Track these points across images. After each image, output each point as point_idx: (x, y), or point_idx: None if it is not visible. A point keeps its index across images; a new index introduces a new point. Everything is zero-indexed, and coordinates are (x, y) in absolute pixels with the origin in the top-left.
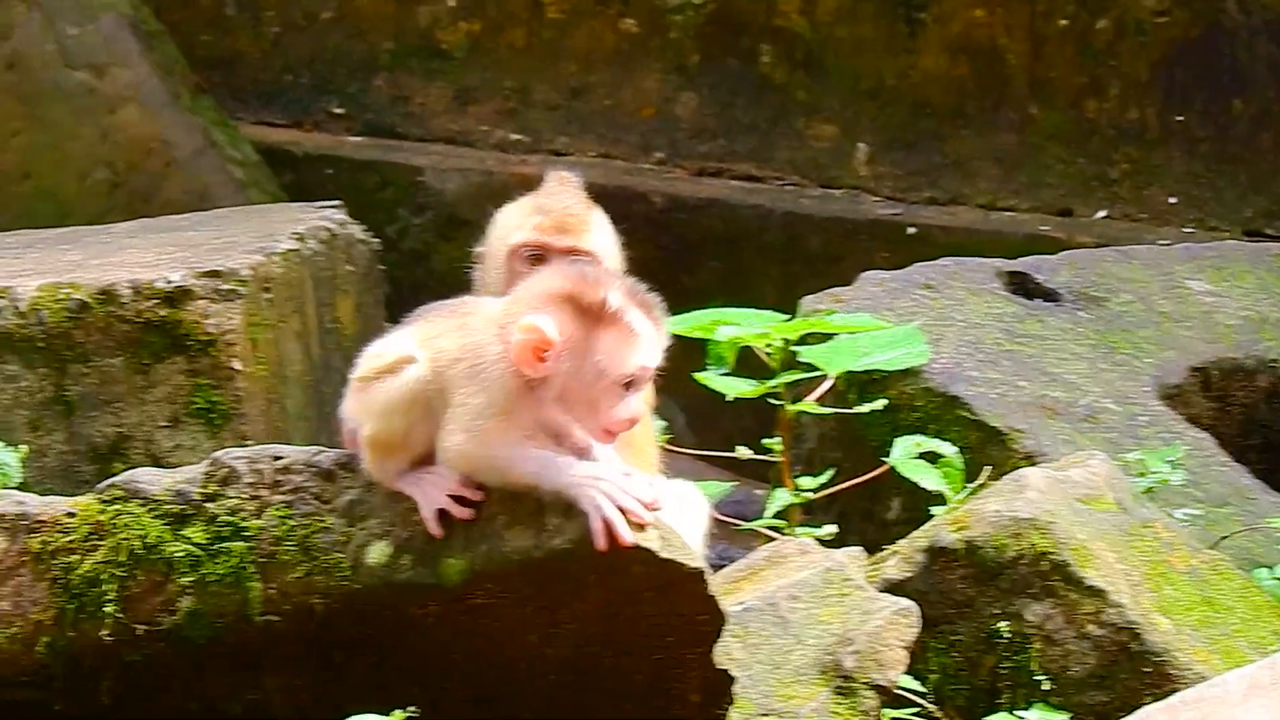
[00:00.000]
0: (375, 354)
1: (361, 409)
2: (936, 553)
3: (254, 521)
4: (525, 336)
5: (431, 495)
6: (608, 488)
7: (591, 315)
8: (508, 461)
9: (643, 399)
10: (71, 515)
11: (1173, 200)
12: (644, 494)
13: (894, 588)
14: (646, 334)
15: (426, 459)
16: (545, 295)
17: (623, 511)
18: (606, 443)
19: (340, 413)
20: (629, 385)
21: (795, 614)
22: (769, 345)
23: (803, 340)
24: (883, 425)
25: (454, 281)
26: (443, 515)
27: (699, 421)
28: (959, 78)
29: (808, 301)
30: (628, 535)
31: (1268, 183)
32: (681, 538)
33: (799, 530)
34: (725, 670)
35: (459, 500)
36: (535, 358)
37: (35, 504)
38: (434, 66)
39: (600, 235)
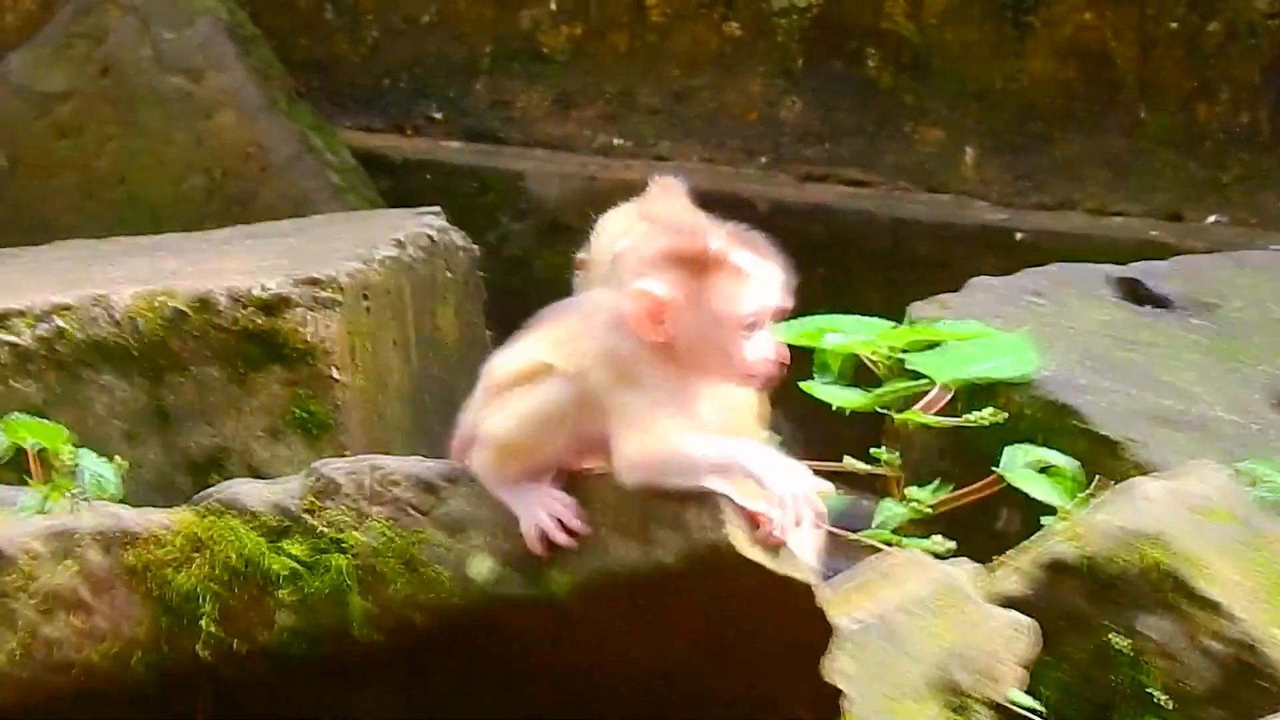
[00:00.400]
0: (507, 363)
1: (494, 416)
2: (1050, 566)
3: (354, 534)
4: (638, 304)
5: (535, 514)
6: (794, 483)
7: (697, 265)
8: (691, 455)
9: (773, 337)
10: (168, 529)
11: None
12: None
13: (1007, 602)
14: (757, 272)
15: (541, 474)
16: (648, 258)
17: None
18: (753, 387)
19: (459, 421)
20: (752, 326)
21: (907, 628)
22: (876, 353)
23: (910, 348)
24: (992, 434)
25: (555, 288)
26: (544, 536)
27: (806, 432)
28: (1067, 81)
29: (915, 308)
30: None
31: None
32: (792, 551)
33: (909, 542)
34: (835, 685)
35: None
36: (654, 321)
37: (131, 517)
38: (535, 70)
39: None
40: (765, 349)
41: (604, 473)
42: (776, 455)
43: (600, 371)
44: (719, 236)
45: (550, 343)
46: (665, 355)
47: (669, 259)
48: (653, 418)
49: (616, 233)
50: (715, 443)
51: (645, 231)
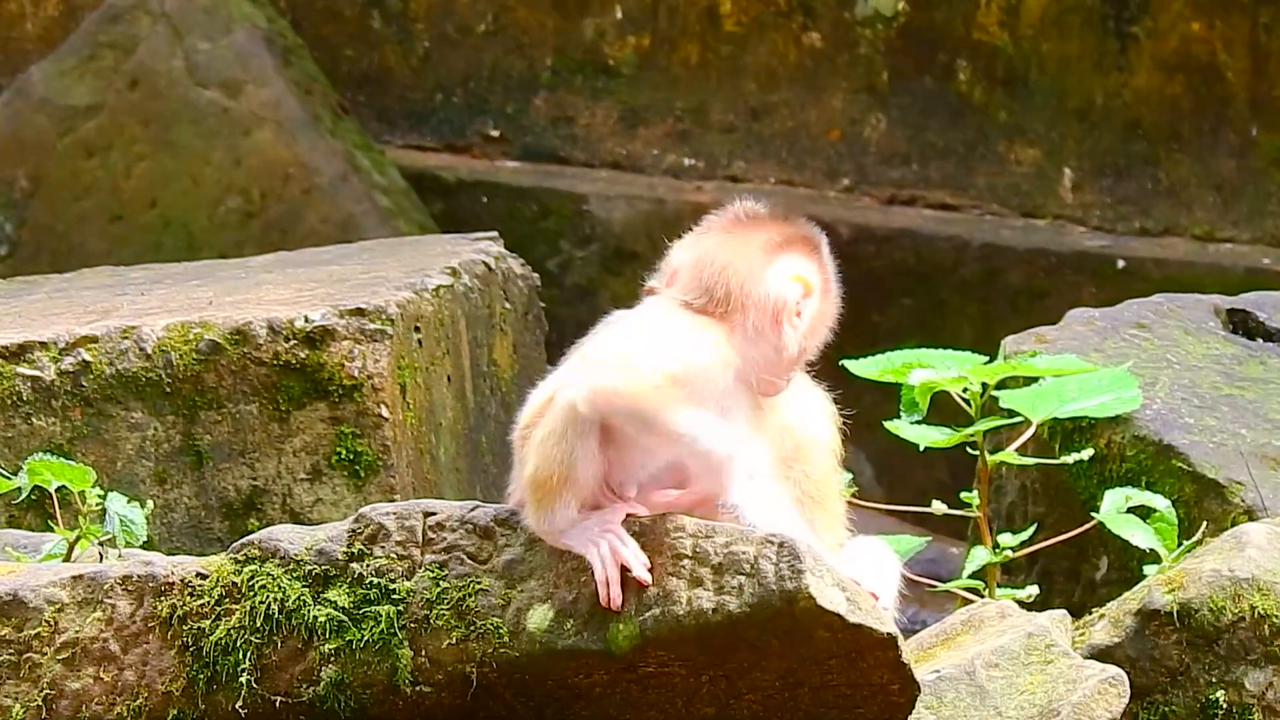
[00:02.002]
0: (529, 405)
1: (522, 457)
2: (1148, 616)
3: (403, 583)
4: (794, 286)
5: (608, 561)
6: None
7: (818, 252)
8: (657, 409)
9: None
10: (203, 577)
11: None
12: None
13: (1101, 654)
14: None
15: (588, 508)
16: (781, 241)
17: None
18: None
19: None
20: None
21: (994, 683)
22: (966, 390)
23: (1003, 384)
24: (1090, 477)
25: None
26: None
27: (889, 473)
28: (1174, 97)
29: (1009, 342)
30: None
31: None
32: (871, 600)
33: (998, 591)
34: None
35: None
36: (795, 312)
37: (163, 564)
38: (599, 85)
39: None
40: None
41: (670, 514)
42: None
43: (619, 329)
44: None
45: (566, 361)
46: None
47: (799, 242)
48: (647, 364)
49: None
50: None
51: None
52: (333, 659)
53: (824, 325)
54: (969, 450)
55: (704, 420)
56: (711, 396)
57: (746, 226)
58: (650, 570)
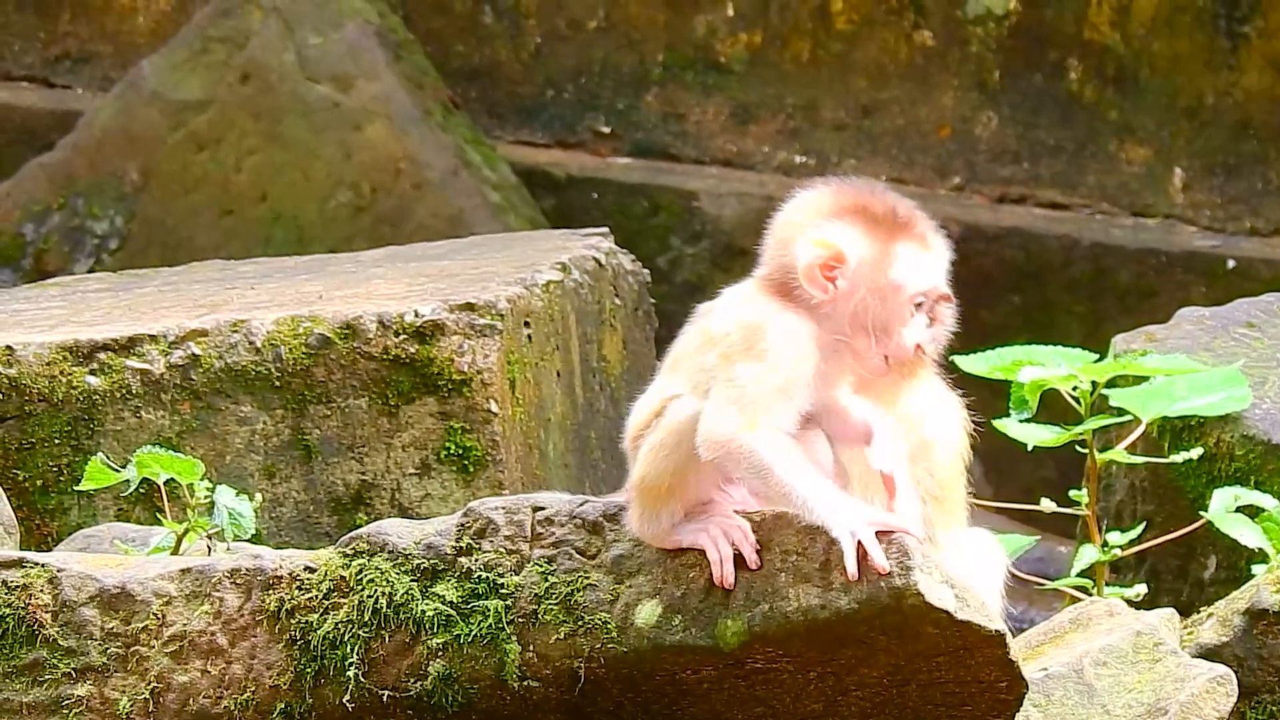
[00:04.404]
0: (639, 413)
1: (634, 464)
2: (1257, 615)
3: (512, 578)
4: (818, 251)
5: (720, 540)
6: (859, 516)
7: (885, 225)
8: (769, 465)
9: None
10: (311, 570)
11: None
12: (891, 522)
13: (1210, 653)
14: (939, 246)
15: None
16: (831, 209)
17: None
18: (883, 374)
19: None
20: (920, 304)
21: (1102, 681)
22: (1076, 388)
23: (1112, 383)
24: (1199, 476)
25: None
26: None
27: (998, 471)
28: None
29: (1119, 341)
30: (883, 562)
31: None
32: (980, 598)
33: (1107, 590)
34: None
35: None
36: (826, 277)
37: (271, 558)
38: (711, 81)
39: None
40: (922, 333)
41: (778, 510)
42: (854, 502)
43: (725, 342)
44: (904, 201)
45: (671, 366)
46: (814, 320)
47: (854, 212)
48: (763, 400)
49: None
50: (800, 464)
51: (823, 187)
52: (440, 653)
53: (885, 297)
54: (1078, 448)
55: (819, 485)
56: (815, 387)
57: (811, 200)
58: (759, 558)
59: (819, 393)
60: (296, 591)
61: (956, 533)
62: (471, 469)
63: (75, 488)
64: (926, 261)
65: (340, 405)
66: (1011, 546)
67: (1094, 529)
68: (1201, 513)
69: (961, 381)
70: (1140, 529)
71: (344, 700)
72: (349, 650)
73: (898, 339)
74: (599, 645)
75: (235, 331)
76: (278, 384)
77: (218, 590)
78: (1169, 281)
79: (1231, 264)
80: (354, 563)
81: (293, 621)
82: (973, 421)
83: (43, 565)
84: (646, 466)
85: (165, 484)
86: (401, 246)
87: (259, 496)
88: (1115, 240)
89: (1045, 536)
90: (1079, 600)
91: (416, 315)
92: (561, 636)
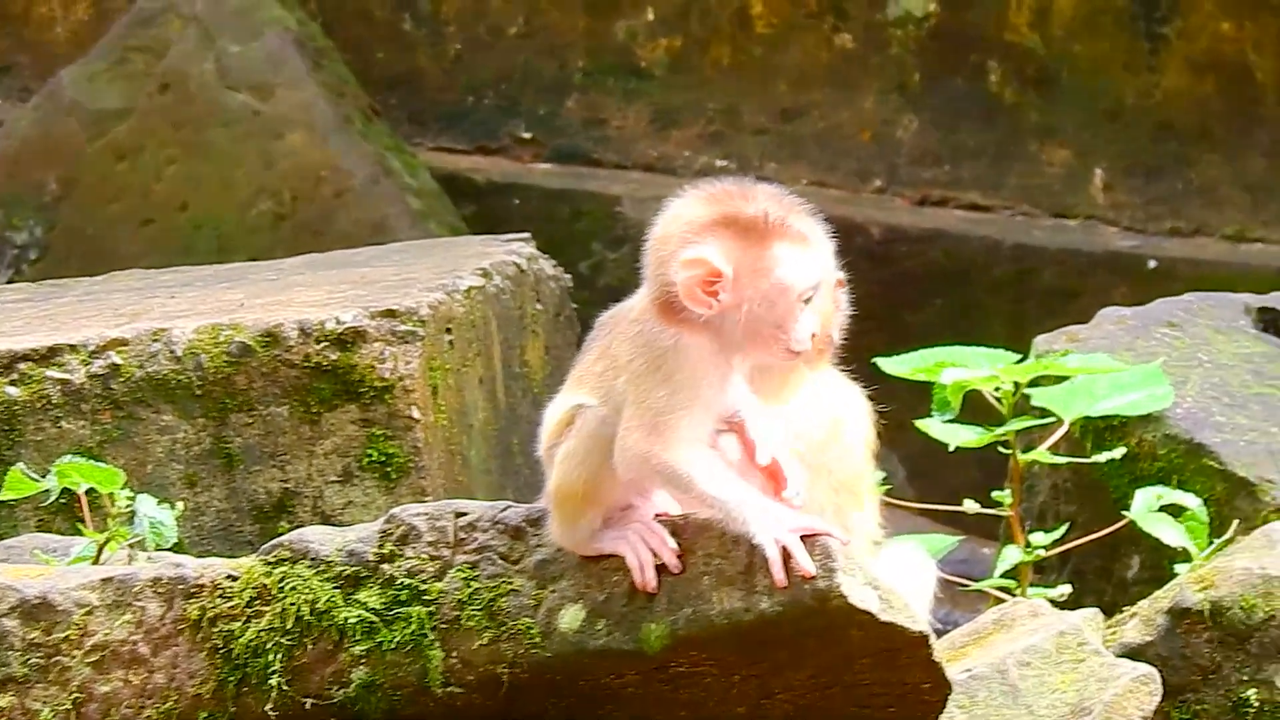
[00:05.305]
0: (549, 421)
1: (550, 473)
2: (1180, 614)
3: (435, 584)
4: (691, 273)
5: (640, 546)
6: (782, 521)
7: (758, 231)
8: (689, 477)
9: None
10: (233, 579)
11: None
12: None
13: (1133, 652)
14: (818, 238)
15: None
16: (698, 224)
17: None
18: (792, 362)
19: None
20: (809, 299)
21: (1026, 681)
22: (998, 389)
23: (1035, 383)
24: (1122, 476)
25: None
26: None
27: (920, 473)
28: (1204, 97)
29: (1041, 341)
30: (809, 566)
31: None
32: (904, 599)
33: (1030, 590)
34: None
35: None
36: (707, 293)
37: (193, 566)
38: (631, 86)
39: None
40: (813, 324)
41: (700, 514)
42: (774, 504)
43: (630, 368)
44: (773, 200)
45: (578, 379)
46: (708, 334)
47: (725, 224)
48: (672, 420)
49: None
50: (719, 474)
51: (690, 197)
52: (364, 660)
53: (774, 300)
54: (1001, 449)
55: (739, 492)
56: (719, 400)
57: (680, 214)
58: (681, 562)
59: (726, 399)
60: (219, 600)
61: (874, 526)
62: (394, 476)
63: None
64: (808, 258)
65: (261, 413)
66: (935, 548)
67: (1017, 530)
68: (1124, 512)
69: (884, 383)
70: (1063, 529)
71: (267, 709)
72: (272, 658)
73: (794, 335)
74: (523, 651)
75: (156, 340)
76: (199, 392)
77: (139, 599)
78: (1091, 282)
79: (1153, 264)
80: (276, 571)
81: (215, 630)
82: (895, 421)
83: None
84: (561, 475)
85: (86, 493)
86: (322, 254)
87: (180, 505)
88: (1037, 241)
89: (969, 538)
90: (1003, 601)
91: (338, 322)
92: (485, 642)
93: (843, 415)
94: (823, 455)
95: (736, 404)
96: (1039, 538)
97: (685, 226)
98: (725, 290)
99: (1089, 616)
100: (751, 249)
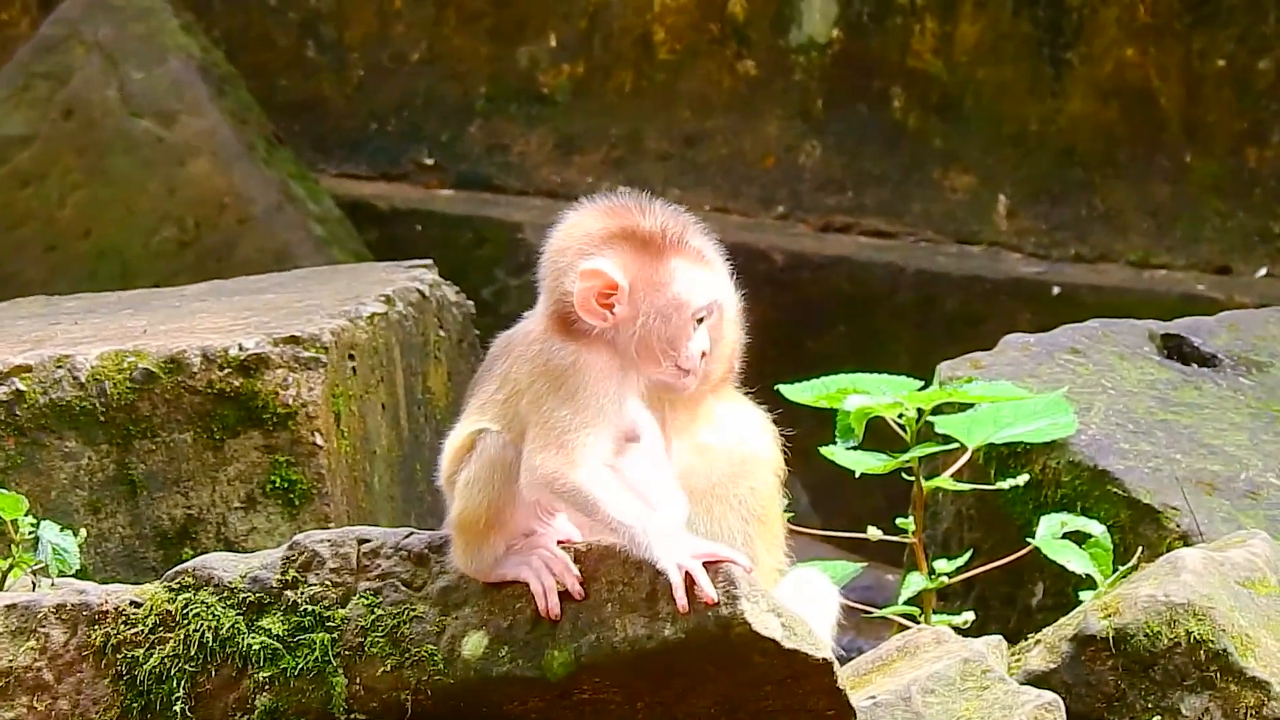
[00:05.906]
0: (448, 449)
1: (451, 501)
2: (1084, 641)
3: (338, 610)
4: (587, 284)
5: (543, 572)
6: (685, 548)
7: (655, 245)
8: (595, 501)
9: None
10: (137, 605)
11: None
12: (718, 552)
13: (1037, 680)
14: (715, 259)
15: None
16: (595, 236)
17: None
18: (684, 380)
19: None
20: (702, 319)
21: (930, 709)
22: (902, 416)
23: (938, 410)
24: (1026, 502)
25: None
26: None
27: (824, 500)
28: (1108, 123)
29: (944, 368)
30: (711, 592)
31: None
32: (807, 626)
33: (934, 617)
34: None
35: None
36: (602, 305)
37: (97, 593)
38: (534, 112)
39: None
40: (704, 342)
41: (604, 541)
42: (677, 530)
43: (531, 390)
44: (671, 216)
45: (479, 405)
46: (606, 350)
47: (623, 237)
48: (577, 439)
49: None
50: (623, 498)
51: (588, 210)
52: (267, 687)
53: (669, 315)
54: (904, 476)
55: (643, 518)
56: (620, 416)
57: (577, 227)
58: (584, 589)
59: (626, 415)
60: (122, 626)
61: (781, 555)
62: (297, 502)
63: None
64: (704, 276)
65: (165, 439)
66: (839, 574)
67: (921, 557)
68: (1029, 539)
69: (787, 409)
70: (967, 556)
71: None
72: (175, 685)
73: (685, 353)
74: (426, 677)
75: (59, 367)
76: (102, 419)
77: (43, 626)
78: (994, 309)
79: (1056, 290)
80: (180, 597)
81: (119, 656)
82: (799, 448)
83: None
84: (463, 502)
85: None
86: (226, 281)
87: (84, 532)
88: (941, 268)
89: (872, 564)
90: (907, 628)
91: (241, 349)
92: (388, 669)
93: (753, 445)
94: (734, 486)
95: (635, 420)
96: (943, 565)
97: (583, 238)
98: (621, 303)
99: (993, 644)
100: (649, 263)
